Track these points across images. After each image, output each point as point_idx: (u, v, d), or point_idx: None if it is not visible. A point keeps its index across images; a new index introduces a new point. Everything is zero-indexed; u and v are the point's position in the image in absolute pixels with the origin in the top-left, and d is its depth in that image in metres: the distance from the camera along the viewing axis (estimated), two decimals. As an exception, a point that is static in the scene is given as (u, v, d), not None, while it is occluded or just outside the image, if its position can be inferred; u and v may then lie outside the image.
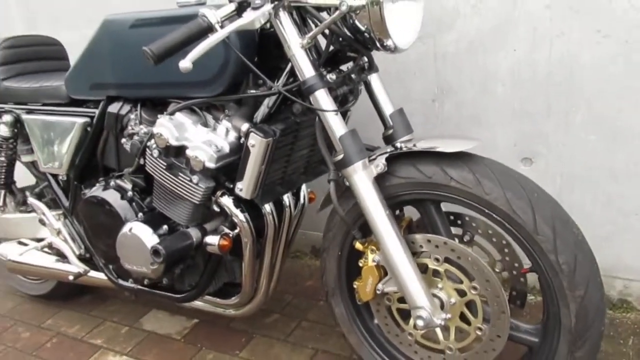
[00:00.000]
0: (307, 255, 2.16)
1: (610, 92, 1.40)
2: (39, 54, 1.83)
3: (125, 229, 1.40)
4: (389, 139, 1.29)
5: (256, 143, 1.21)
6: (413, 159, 1.17)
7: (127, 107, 1.45)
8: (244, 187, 1.26)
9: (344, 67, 1.31)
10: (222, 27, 1.06)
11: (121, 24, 1.37)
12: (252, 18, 1.06)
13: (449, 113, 1.62)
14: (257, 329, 1.76)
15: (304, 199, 1.54)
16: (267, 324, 1.78)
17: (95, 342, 1.82)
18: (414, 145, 1.17)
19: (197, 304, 1.59)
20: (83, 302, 2.05)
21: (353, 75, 1.27)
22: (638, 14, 1.31)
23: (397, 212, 1.35)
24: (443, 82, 1.59)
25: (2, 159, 1.79)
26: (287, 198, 1.46)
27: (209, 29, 1.05)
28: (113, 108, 1.47)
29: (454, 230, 1.28)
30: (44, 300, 2.09)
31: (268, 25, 1.14)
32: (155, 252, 1.32)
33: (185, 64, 1.00)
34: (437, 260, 1.18)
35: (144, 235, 1.36)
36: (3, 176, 1.83)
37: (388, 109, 1.30)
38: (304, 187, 1.54)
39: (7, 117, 1.72)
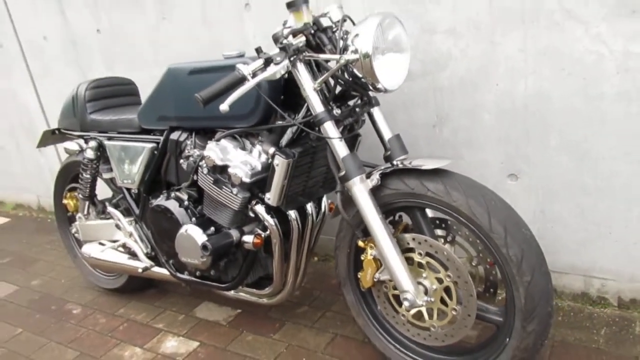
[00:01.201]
0: (334, 258, 2.49)
1: (576, 121, 1.67)
2: (116, 92, 2.27)
3: (182, 230, 1.79)
4: (387, 159, 1.61)
5: (280, 163, 1.57)
6: (401, 174, 1.49)
7: (184, 135, 1.85)
8: (271, 197, 1.63)
9: (351, 102, 1.65)
10: (253, 77, 1.43)
11: (181, 71, 1.77)
12: (274, 71, 1.42)
13: (447, 137, 1.93)
14: (289, 317, 2.11)
15: (325, 208, 1.88)
16: (298, 313, 2.13)
17: (158, 326, 2.21)
18: (402, 164, 1.49)
19: (238, 294, 1.95)
20: (148, 295, 2.46)
21: (357, 109, 1.62)
22: (591, 56, 1.59)
23: (396, 217, 1.67)
24: (441, 111, 1.90)
25: (88, 176, 2.23)
26: (310, 207, 1.81)
27: (243, 79, 1.42)
28: (174, 136, 1.87)
29: (439, 231, 1.59)
30: (117, 293, 2.51)
31: (286, 75, 1.50)
32: (204, 247, 1.70)
33: (224, 107, 1.37)
34: (420, 254, 1.50)
35: (196, 234, 1.75)
36: (88, 190, 2.28)
37: (387, 135, 1.63)
38: (324, 198, 1.88)
39: (93, 143, 2.16)
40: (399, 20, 1.50)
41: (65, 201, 2.48)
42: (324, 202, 1.88)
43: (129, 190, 2.11)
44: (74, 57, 2.99)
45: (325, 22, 1.57)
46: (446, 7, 1.75)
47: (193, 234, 1.75)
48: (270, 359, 1.88)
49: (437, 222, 1.59)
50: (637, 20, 1.49)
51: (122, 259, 2.15)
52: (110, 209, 2.18)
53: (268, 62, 1.45)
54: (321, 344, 1.92)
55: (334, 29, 1.56)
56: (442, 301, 1.51)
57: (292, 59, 1.46)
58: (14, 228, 3.80)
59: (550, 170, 1.78)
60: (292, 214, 1.74)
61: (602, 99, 1.62)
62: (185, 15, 2.39)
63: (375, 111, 1.64)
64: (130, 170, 2.02)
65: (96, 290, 2.60)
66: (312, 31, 1.54)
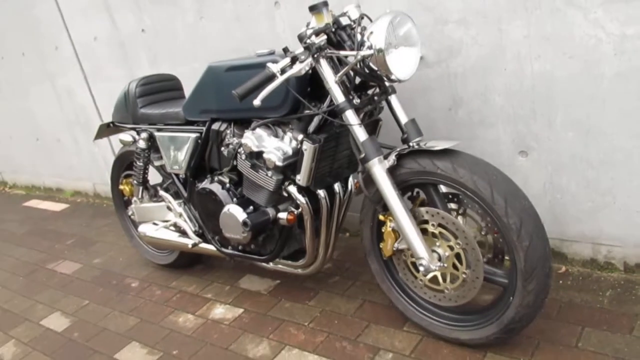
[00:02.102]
0: (365, 234, 2.70)
1: (579, 100, 1.82)
2: (163, 87, 2.52)
3: (225, 209, 2.04)
4: (404, 141, 1.80)
5: (307, 148, 1.78)
6: (414, 155, 1.68)
7: (224, 126, 2.08)
8: (301, 178, 1.84)
9: (370, 92, 1.84)
10: (281, 74, 1.64)
11: (220, 69, 1.99)
12: (299, 68, 1.62)
13: (462, 118, 2.09)
14: (323, 286, 2.34)
15: (351, 187, 2.08)
16: (330, 283, 2.35)
17: (207, 296, 2.48)
18: (416, 146, 1.68)
19: (276, 265, 2.19)
20: (197, 270, 2.74)
21: (376, 97, 1.81)
22: (590, 40, 1.72)
23: (414, 192, 1.86)
24: (456, 95, 2.07)
25: (140, 164, 2.51)
26: (337, 187, 2.01)
27: (273, 76, 1.63)
28: (215, 126, 2.10)
29: (453, 205, 1.78)
30: (169, 268, 2.80)
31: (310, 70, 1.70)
32: (244, 223, 1.94)
33: (257, 102, 1.58)
34: (433, 225, 1.69)
35: (237, 212, 1.99)
36: (141, 176, 2.55)
37: (403, 119, 1.81)
38: (351, 178, 2.08)
39: (144, 134, 2.43)
40: (409, 18, 1.67)
41: (121, 187, 2.77)
42: (351, 181, 2.08)
43: (177, 175, 2.37)
44: (122, 56, 3.27)
45: (345, 20, 1.77)
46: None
47: (235, 212, 1.99)
48: (306, 321, 2.12)
49: (450, 196, 1.77)
50: (631, 6, 1.62)
51: (174, 236, 2.42)
52: (161, 192, 2.45)
53: (294, 60, 1.66)
54: (351, 309, 2.14)
55: (353, 27, 1.74)
56: (454, 266, 1.70)
57: (315, 56, 1.66)
58: (73, 213, 4.17)
59: (557, 146, 1.92)
60: (321, 193, 1.94)
61: (602, 79, 1.75)
62: (220, 14, 2.61)
63: (393, 98, 1.83)
64: (178, 157, 2.27)
65: (151, 267, 2.90)
66: (333, 29, 1.73)
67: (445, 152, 1.63)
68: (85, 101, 3.74)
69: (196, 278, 2.67)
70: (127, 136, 2.51)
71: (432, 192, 1.73)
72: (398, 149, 1.71)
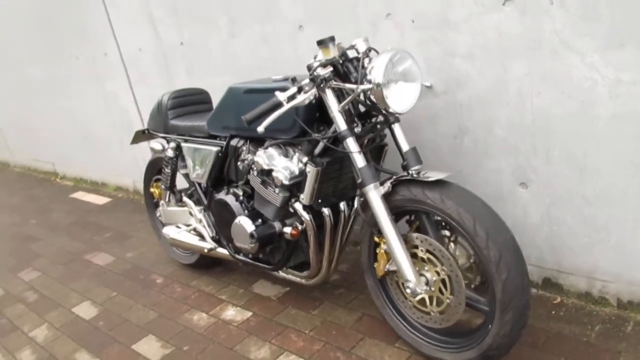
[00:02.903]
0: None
1: (576, 138, 1.87)
2: (192, 101, 2.71)
3: (237, 220, 2.20)
4: (404, 168, 1.91)
5: (310, 170, 1.92)
6: (408, 184, 1.78)
7: (241, 142, 2.24)
8: (305, 197, 1.98)
9: (374, 119, 1.95)
10: (288, 102, 1.78)
11: (239, 90, 2.15)
12: (303, 98, 1.76)
13: (467, 147, 2.17)
14: (328, 297, 2.47)
15: (357, 206, 2.19)
16: (336, 294, 2.48)
17: (221, 297, 2.65)
18: (411, 175, 1.79)
19: (284, 274, 2.33)
20: (216, 271, 2.92)
21: (379, 125, 1.92)
22: (587, 82, 1.78)
23: (412, 217, 1.96)
24: (461, 124, 2.15)
25: (168, 171, 2.70)
26: (342, 205, 2.13)
27: (280, 104, 1.77)
28: (233, 142, 2.26)
29: (447, 232, 1.87)
30: (191, 268, 3.00)
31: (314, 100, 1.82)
32: (251, 235, 2.09)
33: (261, 129, 1.73)
34: (422, 250, 1.79)
35: (247, 224, 2.14)
36: (169, 182, 2.75)
37: (405, 147, 1.92)
38: (357, 197, 2.20)
39: (173, 144, 2.62)
40: (409, 55, 1.78)
41: (152, 189, 2.98)
42: (357, 201, 2.20)
43: (199, 184, 2.55)
44: (163, 66, 3.49)
45: (352, 53, 1.89)
46: (465, 35, 2.00)
47: (244, 224, 2.15)
48: (307, 329, 2.26)
49: (444, 224, 1.87)
50: (624, 52, 1.67)
51: (194, 240, 2.60)
52: (185, 198, 2.64)
53: (300, 90, 1.80)
54: (350, 321, 2.26)
55: (359, 59, 1.86)
56: (440, 291, 1.79)
57: (320, 86, 1.79)
58: (114, 207, 4.45)
59: (554, 180, 1.98)
60: (326, 211, 2.07)
61: (598, 120, 1.81)
62: (250, 34, 2.77)
63: (396, 127, 1.93)
64: (200, 167, 2.45)
65: (176, 265, 3.10)
66: (341, 61, 1.86)
67: (437, 183, 1.73)
68: (128, 105, 4.00)
69: (214, 279, 2.85)
70: (157, 144, 2.71)
71: (425, 219, 1.83)
72: (394, 177, 1.82)
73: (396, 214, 1.87)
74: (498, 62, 1.96)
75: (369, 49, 1.87)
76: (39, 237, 4.09)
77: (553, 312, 2.07)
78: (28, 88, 5.36)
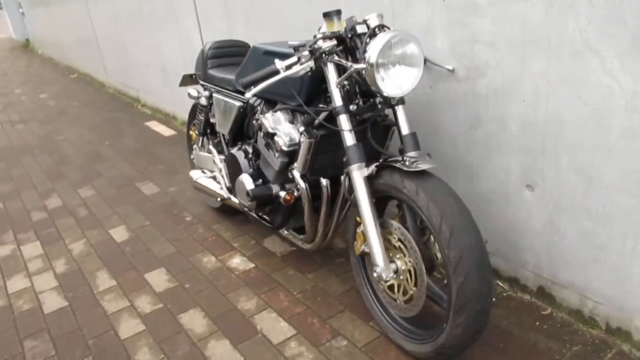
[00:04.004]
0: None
1: (586, 146, 1.73)
2: (232, 53, 2.77)
3: (240, 176, 2.28)
4: (400, 152, 1.88)
5: (304, 140, 1.93)
6: (392, 170, 1.75)
7: (258, 102, 2.29)
8: (297, 166, 2.01)
9: (377, 99, 1.91)
10: (284, 71, 1.78)
11: (260, 50, 2.18)
12: (298, 69, 1.76)
13: (480, 139, 2.08)
14: (327, 264, 2.52)
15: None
16: (335, 262, 2.53)
17: (234, 245, 2.79)
18: (397, 161, 1.75)
19: (286, 234, 2.41)
20: (237, 220, 3.05)
21: (379, 106, 1.88)
22: (604, 89, 1.63)
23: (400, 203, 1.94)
24: (477, 115, 2.05)
25: (202, 117, 2.82)
26: (342, 178, 2.14)
27: (276, 72, 1.79)
28: (251, 100, 2.32)
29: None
30: (217, 211, 3.16)
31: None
32: (247, 193, 2.17)
33: (248, 95, 1.76)
34: (394, 238, 1.78)
35: (247, 182, 2.22)
36: (202, 128, 2.88)
37: (405, 131, 1.87)
38: (344, 175, 2.16)
39: (206, 92, 2.72)
40: (413, 38, 1.71)
41: (190, 132, 3.13)
42: (343, 178, 2.17)
43: (223, 135, 2.65)
44: (225, 12, 3.57)
45: (362, 28, 1.84)
46: (489, 20, 1.88)
47: (245, 181, 2.23)
48: (295, 291, 2.34)
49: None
50: (646, 63, 1.51)
51: (213, 186, 2.73)
52: (210, 146, 2.76)
53: (299, 59, 1.80)
54: (338, 291, 2.31)
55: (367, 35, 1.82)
56: (407, 281, 1.78)
57: (321, 58, 1.78)
58: (176, 141, 4.71)
59: (560, 187, 1.86)
60: (324, 181, 2.09)
61: (609, 132, 1.66)
62: (298, -9, 2.76)
63: (399, 109, 1.89)
64: (224, 120, 2.54)
65: (206, 206, 3.27)
66: (350, 35, 1.83)
67: (418, 174, 1.69)
68: (196, 46, 4.15)
69: (233, 226, 2.98)
70: (194, 91, 2.82)
71: (405, 208, 1.81)
72: (380, 161, 1.80)
73: (383, 197, 1.86)
74: (518, 55, 1.83)
75: (380, 26, 1.81)
76: (106, 158, 4.45)
77: (538, 323, 1.99)
78: (122, 17, 5.69)
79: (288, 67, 1.78)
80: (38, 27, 12.14)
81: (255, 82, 1.81)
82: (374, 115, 1.90)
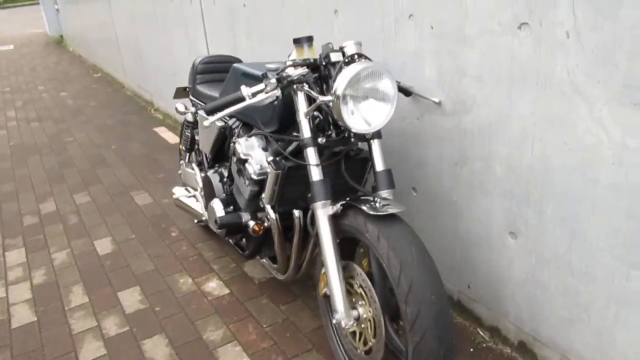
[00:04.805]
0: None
1: (571, 197, 1.58)
2: (222, 68, 2.68)
3: (212, 201, 2.18)
4: (374, 189, 1.75)
5: (271, 172, 1.82)
6: (357, 211, 1.63)
7: (236, 124, 2.19)
8: (265, 197, 1.90)
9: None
10: (250, 98, 1.68)
11: (238, 71, 2.09)
12: (263, 97, 1.65)
13: (466, 177, 1.93)
14: (303, 296, 2.40)
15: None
16: (311, 295, 2.40)
17: (213, 267, 2.70)
18: (362, 203, 1.62)
19: (262, 261, 2.29)
20: (221, 239, 2.96)
21: (352, 139, 1.76)
22: (591, 138, 1.47)
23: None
24: (464, 151, 1.91)
25: (188, 133, 2.74)
26: (309, 213, 2.01)
27: (242, 99, 1.68)
28: (231, 122, 2.22)
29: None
30: (204, 228, 3.06)
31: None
32: (215, 221, 2.06)
33: (206, 123, 1.66)
34: (356, 284, 1.65)
35: (217, 208, 2.12)
36: (189, 144, 2.79)
37: (379, 168, 1.75)
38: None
39: (193, 109, 2.64)
40: (387, 73, 1.58)
41: (180, 146, 3.05)
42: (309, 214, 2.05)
43: (205, 154, 2.56)
44: (230, 24, 3.49)
45: (336, 57, 1.72)
46: (477, 52, 1.74)
47: (215, 207, 2.13)
48: (265, 324, 2.22)
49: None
50: (636, 114, 1.35)
51: (192, 205, 2.64)
52: (193, 164, 2.67)
53: (266, 87, 1.69)
54: (309, 327, 2.18)
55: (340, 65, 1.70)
56: (368, 330, 1.65)
57: (286, 88, 1.67)
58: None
59: (543, 238, 1.71)
60: (296, 212, 1.97)
61: (595, 185, 1.50)
62: (296, 7, 2.65)
63: (375, 143, 1.76)
64: (207, 138, 2.45)
65: (194, 222, 3.19)
66: (324, 63, 1.71)
67: (384, 218, 1.56)
68: (203, 54, 4.08)
69: (217, 246, 2.89)
70: (181, 106, 2.72)
71: (370, 252, 1.68)
72: (346, 200, 1.67)
73: (350, 238, 1.73)
74: (505, 92, 1.69)
75: (357, 55, 1.68)
76: (109, 163, 4.42)
77: (515, 381, 1.84)
78: (138, 18, 5.68)
79: (255, 94, 1.68)
80: (70, 24, 12.36)
81: (220, 109, 1.71)
82: (346, 149, 1.77)
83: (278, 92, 1.66)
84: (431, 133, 2.02)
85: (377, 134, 1.75)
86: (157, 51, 5.36)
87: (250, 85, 1.71)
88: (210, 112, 1.71)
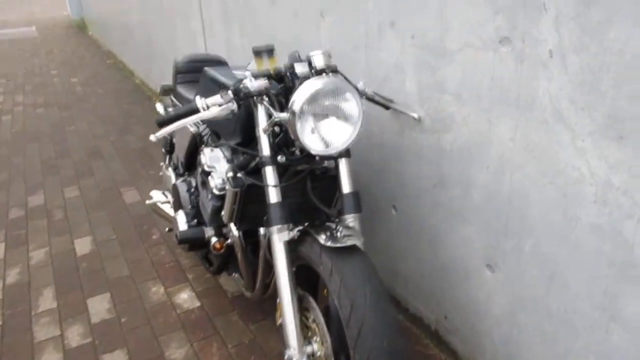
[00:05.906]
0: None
1: (551, 236, 1.42)
2: (202, 68, 2.54)
3: (177, 212, 2.05)
4: (338, 212, 1.61)
5: (229, 189, 1.69)
6: (313, 239, 1.48)
7: (206, 131, 2.06)
8: (224, 214, 1.76)
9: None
10: (204, 110, 1.54)
11: (208, 76, 1.95)
12: (219, 110, 1.50)
13: (444, 201, 1.78)
14: (274, 314, 2.26)
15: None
16: (284, 312, 2.27)
17: (188, 276, 2.58)
18: (320, 230, 1.48)
19: (233, 276, 2.17)
20: (201, 245, 2.84)
21: (317, 158, 1.61)
22: (573, 172, 1.30)
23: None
24: (441, 173, 1.75)
25: (168, 137, 2.62)
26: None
27: (196, 110, 1.55)
28: (200, 129, 2.09)
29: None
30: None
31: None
32: (176, 235, 1.94)
33: (152, 137, 1.53)
34: (309, 318, 1.51)
35: (180, 222, 1.99)
36: (169, 146, 2.67)
37: (346, 189, 1.60)
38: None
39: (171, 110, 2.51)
40: (351, 89, 1.43)
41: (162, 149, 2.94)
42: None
43: (180, 159, 2.43)
44: (225, 18, 3.35)
45: (301, 68, 1.56)
46: (457, 68, 1.57)
47: (179, 220, 2.00)
48: (231, 344, 2.11)
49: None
50: (621, 149, 1.18)
51: (166, 212, 2.53)
52: (169, 168, 2.55)
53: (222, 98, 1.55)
54: (275, 351, 2.06)
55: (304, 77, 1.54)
56: (323, 368, 1.52)
57: (244, 101, 1.53)
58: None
59: (521, 276, 1.55)
60: (262, 230, 1.84)
61: (576, 223, 1.34)
62: (287, 7, 2.50)
63: (342, 162, 1.60)
64: (181, 143, 2.32)
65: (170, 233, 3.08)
66: (289, 74, 1.56)
67: (340, 250, 1.42)
68: (200, 48, 3.96)
69: (195, 257, 2.77)
70: (160, 106, 2.62)
71: (326, 283, 1.54)
72: (304, 225, 1.53)
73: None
74: (485, 113, 1.52)
75: (327, 68, 1.52)
76: (104, 156, 4.34)
77: None
78: (150, 7, 5.58)
79: (210, 107, 1.54)
80: (92, 8, 12.35)
81: (173, 120, 1.58)
82: (309, 167, 1.63)
83: (234, 106, 1.52)
84: (410, 150, 1.86)
85: (346, 153, 1.60)
86: (163, 41, 5.25)
87: (213, 92, 1.58)
88: (163, 124, 1.58)
